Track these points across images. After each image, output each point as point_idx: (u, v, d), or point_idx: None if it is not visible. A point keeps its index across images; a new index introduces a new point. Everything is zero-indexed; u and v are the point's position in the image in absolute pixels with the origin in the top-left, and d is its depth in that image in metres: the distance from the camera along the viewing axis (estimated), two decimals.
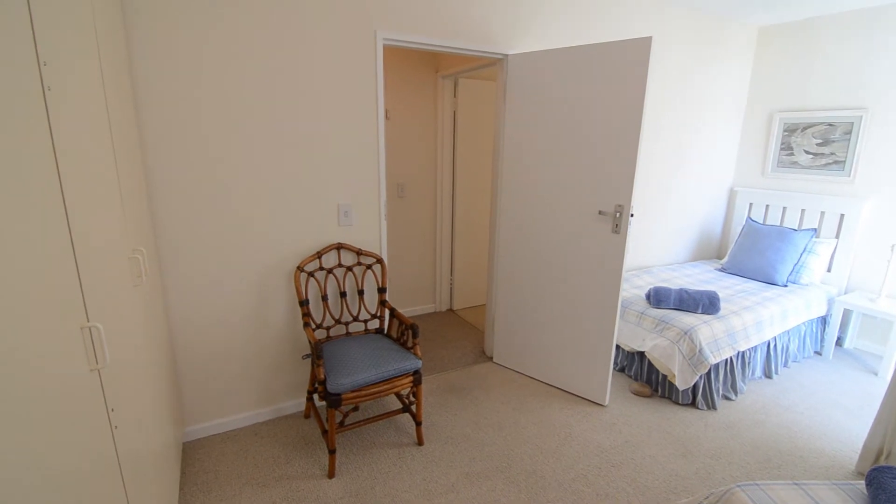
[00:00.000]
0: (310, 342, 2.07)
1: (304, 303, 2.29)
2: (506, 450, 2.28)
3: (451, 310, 4.16)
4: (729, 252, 3.81)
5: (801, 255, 3.41)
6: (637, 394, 2.79)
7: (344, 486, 2.02)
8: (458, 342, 3.50)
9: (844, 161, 3.46)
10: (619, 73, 2.30)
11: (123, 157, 1.52)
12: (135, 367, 1.36)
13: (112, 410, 1.10)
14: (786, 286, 3.33)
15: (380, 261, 2.54)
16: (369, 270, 2.60)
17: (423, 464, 2.17)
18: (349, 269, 2.50)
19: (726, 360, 2.71)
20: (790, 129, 3.74)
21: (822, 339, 3.42)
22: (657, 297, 2.89)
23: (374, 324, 2.67)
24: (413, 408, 2.38)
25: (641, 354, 2.87)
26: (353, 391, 2.02)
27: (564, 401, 2.72)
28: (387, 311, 2.58)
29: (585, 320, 2.64)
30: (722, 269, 3.75)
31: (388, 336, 2.47)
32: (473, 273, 4.14)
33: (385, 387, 2.10)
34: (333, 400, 1.98)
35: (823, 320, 3.41)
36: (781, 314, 2.97)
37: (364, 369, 2.06)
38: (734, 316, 2.78)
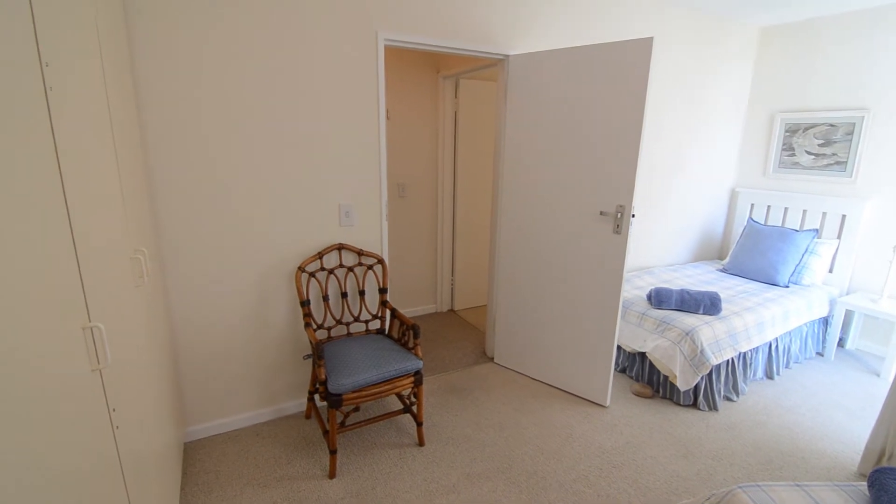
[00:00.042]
0: (311, 342, 2.07)
1: (305, 303, 2.29)
2: (507, 450, 2.28)
3: (452, 310, 4.16)
4: (730, 253, 3.80)
5: (803, 255, 3.40)
6: (638, 395, 2.79)
7: (345, 486, 2.02)
8: (458, 343, 3.49)
9: (846, 162, 3.46)
10: (620, 73, 2.30)
11: (125, 157, 1.52)
12: (136, 367, 1.36)
13: (113, 411, 1.10)
14: (787, 287, 3.32)
15: (381, 261, 2.54)
16: (370, 271, 2.60)
17: (423, 464, 2.17)
18: (350, 269, 2.50)
19: (728, 360, 2.70)
20: (792, 130, 3.73)
21: (824, 340, 3.41)
22: (658, 298, 2.89)
23: (376, 324, 2.67)
24: (414, 408, 2.38)
25: (643, 355, 2.87)
26: (354, 391, 2.02)
27: (565, 402, 2.72)
28: (388, 312, 2.58)
29: (586, 321, 2.64)
30: (723, 270, 3.74)
31: (390, 336, 2.47)
32: (474, 273, 4.14)
33: (386, 387, 2.10)
34: (334, 400, 1.98)
35: (825, 321, 3.40)
36: (783, 315, 2.97)
37: (365, 370, 2.06)
38: (736, 317, 2.77)
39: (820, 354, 3.42)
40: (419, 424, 2.28)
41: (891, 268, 3.13)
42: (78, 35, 1.10)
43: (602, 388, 2.65)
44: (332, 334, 2.56)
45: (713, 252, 4.30)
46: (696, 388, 2.65)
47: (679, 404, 2.70)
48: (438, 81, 3.62)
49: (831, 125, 3.50)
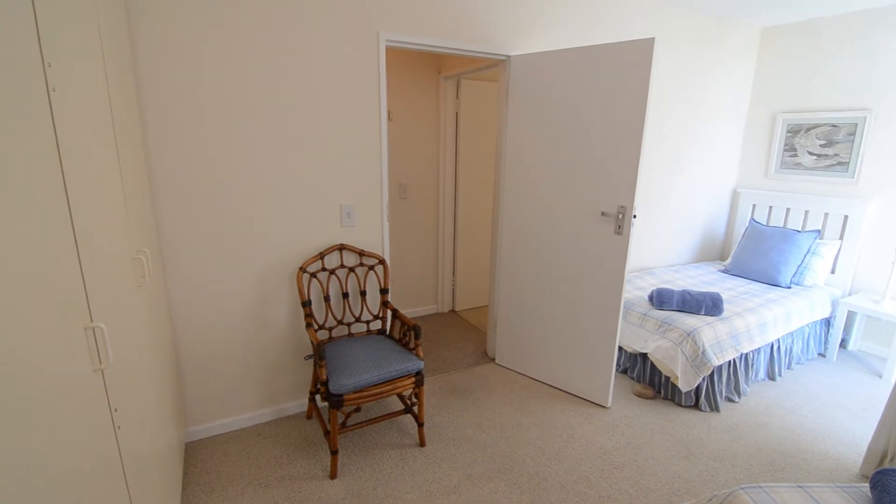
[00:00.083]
0: (312, 343, 2.07)
1: (306, 303, 2.30)
2: (508, 451, 2.27)
3: (453, 311, 4.16)
4: (732, 253, 3.79)
5: (805, 256, 3.39)
6: (640, 395, 2.79)
7: (346, 486, 2.02)
8: (460, 343, 3.49)
9: (848, 162, 3.45)
10: (621, 73, 2.30)
11: (127, 158, 1.52)
12: (138, 367, 1.36)
13: (115, 411, 1.10)
14: (789, 288, 3.32)
15: (382, 262, 2.54)
16: (371, 271, 2.60)
17: (425, 465, 2.17)
18: (351, 269, 2.50)
19: (729, 361, 2.70)
20: (794, 130, 3.72)
21: (826, 341, 3.40)
22: (660, 299, 2.89)
23: (377, 325, 2.67)
24: (415, 409, 2.38)
25: (644, 356, 2.86)
26: (355, 392, 2.02)
27: (567, 402, 2.71)
28: (389, 312, 2.58)
29: (588, 322, 2.63)
30: (725, 271, 3.74)
31: (391, 337, 2.47)
32: (475, 274, 4.14)
33: (387, 388, 2.10)
34: (336, 401, 1.98)
35: (827, 322, 3.39)
36: (785, 316, 2.96)
37: (366, 370, 2.06)
38: (737, 318, 2.77)
39: (822, 355, 3.41)
40: (420, 425, 2.28)
41: (893, 269, 3.12)
42: (80, 35, 1.10)
43: (603, 388, 2.65)
44: (334, 335, 2.56)
45: (715, 253, 4.29)
46: (698, 388, 2.64)
47: (680, 405, 2.69)
48: (440, 82, 3.62)
49: (833, 126, 3.50)
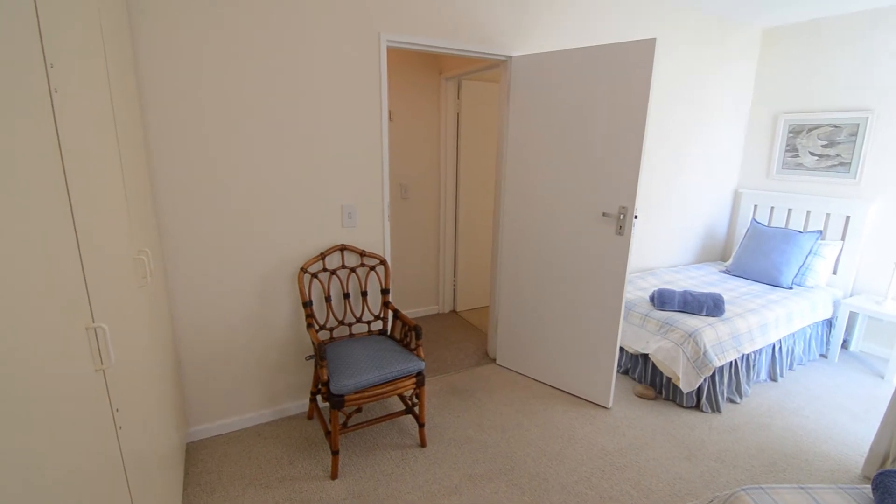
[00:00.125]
0: (313, 343, 2.07)
1: (307, 304, 2.30)
2: (509, 452, 2.27)
3: (454, 311, 4.15)
4: (733, 254, 3.79)
5: (807, 257, 3.39)
6: (641, 396, 2.78)
7: (347, 487, 2.02)
8: (461, 344, 3.49)
9: (850, 163, 3.44)
10: (622, 74, 2.29)
11: (129, 158, 1.52)
12: (140, 367, 1.36)
13: (117, 411, 1.10)
14: (791, 288, 3.31)
15: (383, 262, 2.54)
16: (372, 272, 2.60)
17: (425, 465, 2.17)
18: (352, 270, 2.50)
19: (731, 362, 2.69)
20: (795, 131, 3.72)
21: (828, 342, 3.40)
22: (661, 300, 2.88)
23: (378, 325, 2.67)
24: (416, 409, 2.38)
25: (645, 357, 2.86)
26: (356, 392, 2.02)
27: (568, 403, 2.71)
28: (390, 313, 2.58)
29: (589, 322, 2.63)
30: (726, 272, 3.73)
31: (392, 337, 2.47)
32: (477, 274, 4.14)
33: (388, 388, 2.10)
34: (337, 401, 1.98)
35: (829, 323, 3.39)
36: (787, 317, 2.96)
37: (367, 371, 2.06)
38: (739, 318, 2.76)
39: (824, 356, 3.41)
40: (421, 425, 2.28)
41: (895, 270, 3.12)
42: (82, 35, 1.11)
43: (604, 389, 2.64)
44: (335, 335, 2.56)
45: (716, 253, 4.28)
46: (699, 389, 2.64)
47: (682, 406, 2.69)
48: (441, 82, 3.62)
49: (835, 126, 3.49)
